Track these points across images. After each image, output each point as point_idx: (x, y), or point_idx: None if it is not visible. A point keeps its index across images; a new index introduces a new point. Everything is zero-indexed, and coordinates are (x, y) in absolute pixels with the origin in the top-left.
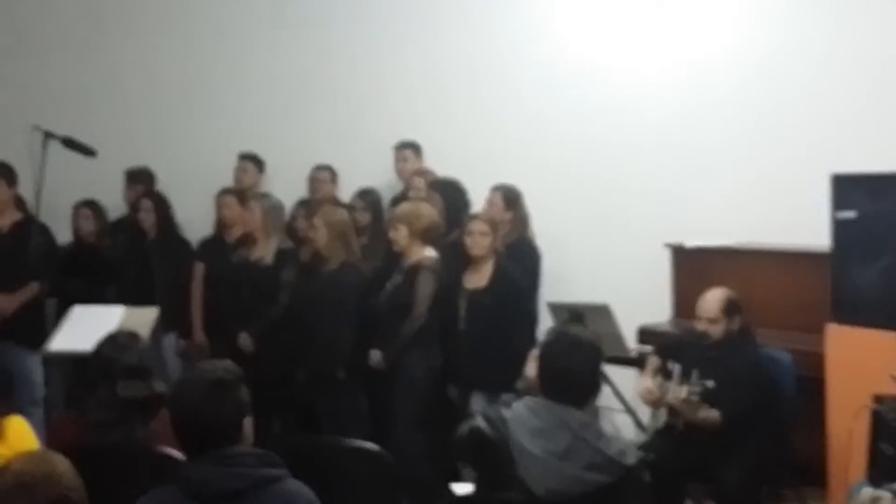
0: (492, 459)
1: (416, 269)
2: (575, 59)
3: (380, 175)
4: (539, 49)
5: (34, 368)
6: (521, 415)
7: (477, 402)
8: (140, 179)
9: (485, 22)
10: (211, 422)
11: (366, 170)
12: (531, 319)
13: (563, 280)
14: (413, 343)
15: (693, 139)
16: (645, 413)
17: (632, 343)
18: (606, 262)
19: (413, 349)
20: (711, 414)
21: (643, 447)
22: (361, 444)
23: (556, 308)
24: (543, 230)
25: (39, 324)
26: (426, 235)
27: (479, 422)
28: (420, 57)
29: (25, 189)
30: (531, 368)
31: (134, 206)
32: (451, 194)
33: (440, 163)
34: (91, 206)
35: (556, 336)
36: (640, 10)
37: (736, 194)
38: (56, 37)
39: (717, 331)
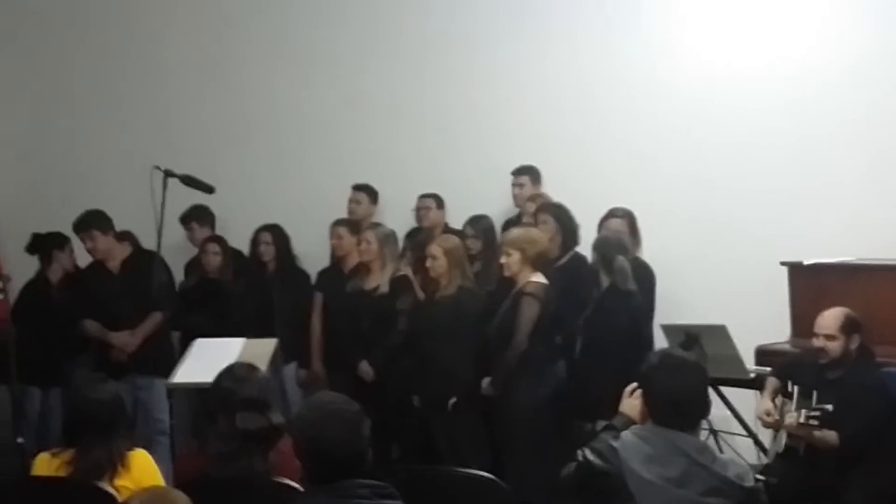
0: (604, 491)
1: (519, 295)
2: (683, 76)
3: (497, 201)
4: (654, 66)
5: (160, 400)
6: (631, 443)
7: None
8: (195, 217)
9: (594, 43)
10: (345, 454)
11: (481, 196)
12: (647, 343)
13: (678, 301)
14: (520, 369)
15: (809, 153)
16: (766, 436)
17: (750, 364)
18: (722, 281)
19: (521, 376)
20: (829, 436)
21: (765, 471)
22: (475, 472)
23: (670, 330)
24: (657, 251)
25: (165, 355)
26: (537, 261)
27: (588, 454)
28: (534, 78)
29: (148, 227)
30: (627, 405)
31: (254, 240)
32: (562, 218)
33: (553, 186)
34: (217, 240)
35: (659, 361)
36: (755, 19)
37: (854, 209)
38: (174, 79)
39: (834, 348)
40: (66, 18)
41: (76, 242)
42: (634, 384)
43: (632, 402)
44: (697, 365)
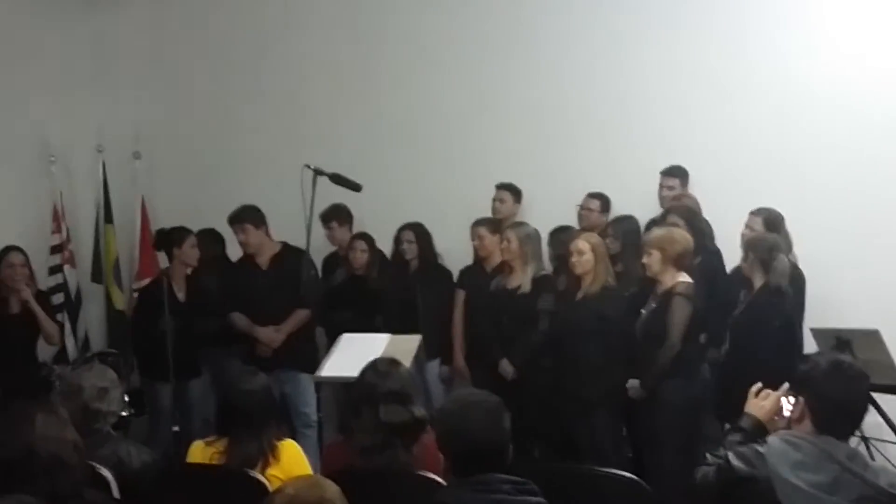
0: (750, 496)
1: (669, 296)
2: (832, 70)
3: (642, 201)
4: (797, 62)
5: (308, 393)
6: (780, 449)
7: None
8: (335, 216)
9: (739, 41)
10: (487, 444)
11: (627, 195)
12: (797, 347)
13: (829, 305)
14: (671, 370)
15: None
16: None
17: None
18: (875, 285)
19: (671, 377)
20: None
21: None
22: (617, 472)
23: (821, 334)
24: (807, 253)
25: (309, 350)
26: (680, 261)
27: (732, 459)
28: (671, 79)
29: (297, 224)
30: (753, 406)
31: (396, 239)
32: (691, 219)
33: (698, 188)
34: (365, 238)
35: (831, 367)
36: None
37: None
38: (322, 80)
39: None
40: (221, 24)
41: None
42: (759, 384)
43: (758, 403)
44: (864, 372)
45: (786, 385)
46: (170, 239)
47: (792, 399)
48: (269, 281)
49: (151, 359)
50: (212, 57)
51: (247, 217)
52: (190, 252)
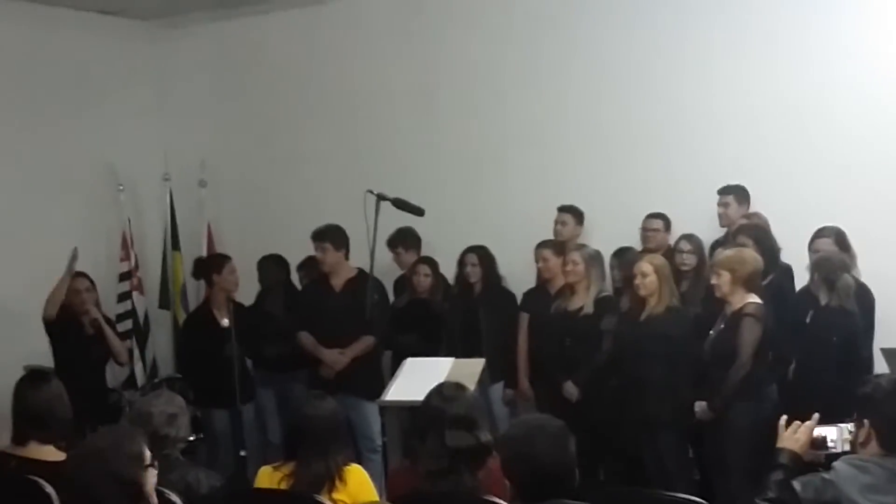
0: None
1: (739, 317)
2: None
3: (704, 221)
4: (863, 79)
5: (372, 418)
6: (848, 474)
7: None
8: (401, 241)
9: (805, 59)
10: (552, 468)
11: (689, 216)
12: (865, 366)
13: None
14: (740, 392)
15: None
16: None
17: None
18: None
19: (741, 398)
20: None
21: None
22: (686, 496)
23: (891, 354)
24: (878, 272)
25: (376, 375)
26: (750, 282)
27: (798, 488)
28: (736, 97)
29: (362, 249)
30: (788, 440)
31: (460, 262)
32: (761, 239)
33: (763, 206)
34: (428, 262)
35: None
36: None
37: None
38: (386, 107)
39: None
40: (283, 52)
41: (247, 267)
42: (785, 417)
43: (793, 437)
44: None
45: (816, 415)
46: (209, 266)
47: (824, 428)
48: (340, 303)
49: (206, 385)
50: (274, 85)
51: (328, 236)
52: (229, 278)
